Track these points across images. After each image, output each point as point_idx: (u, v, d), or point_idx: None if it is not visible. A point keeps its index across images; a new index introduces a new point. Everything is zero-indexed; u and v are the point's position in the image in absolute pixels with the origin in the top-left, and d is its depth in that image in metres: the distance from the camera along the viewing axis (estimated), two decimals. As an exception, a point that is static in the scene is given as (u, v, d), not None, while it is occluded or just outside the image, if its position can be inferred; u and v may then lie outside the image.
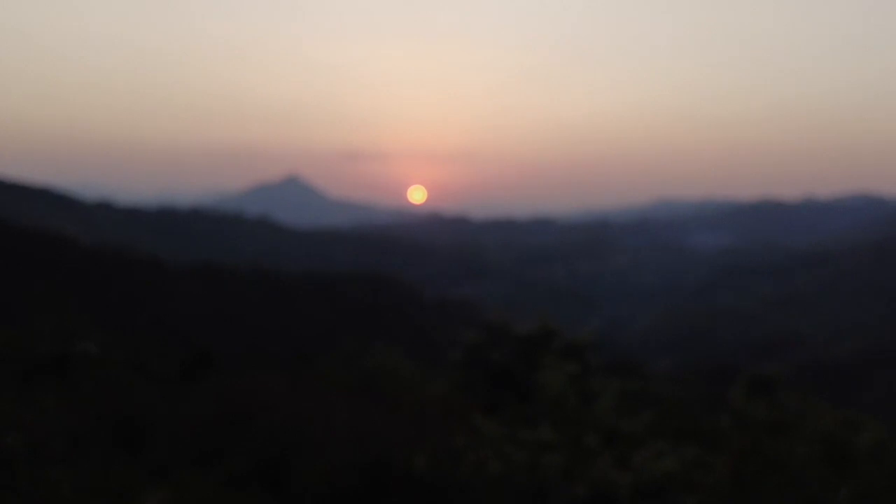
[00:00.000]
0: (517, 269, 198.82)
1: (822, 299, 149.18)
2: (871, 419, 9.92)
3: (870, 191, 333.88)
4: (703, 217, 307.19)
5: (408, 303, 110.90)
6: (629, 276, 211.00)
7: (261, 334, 75.45)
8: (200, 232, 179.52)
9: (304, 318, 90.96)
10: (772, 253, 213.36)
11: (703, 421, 12.69)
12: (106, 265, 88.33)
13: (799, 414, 9.00)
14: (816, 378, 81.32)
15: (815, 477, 7.50)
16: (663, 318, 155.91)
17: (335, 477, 7.93)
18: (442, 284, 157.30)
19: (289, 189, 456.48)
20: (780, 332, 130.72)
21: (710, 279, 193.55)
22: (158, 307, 78.39)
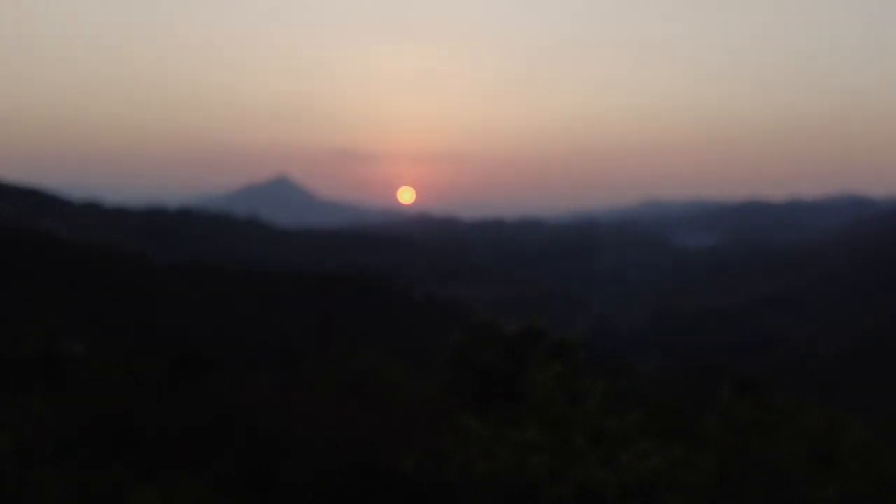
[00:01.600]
0: (506, 269, 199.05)
1: (807, 298, 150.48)
2: (856, 418, 10.04)
3: (855, 191, 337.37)
4: (689, 217, 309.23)
5: (397, 303, 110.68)
6: (617, 276, 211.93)
7: (250, 334, 75.09)
8: (189, 232, 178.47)
9: (294, 319, 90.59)
10: (758, 253, 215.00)
11: (690, 420, 12.78)
12: (95, 265, 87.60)
13: (785, 413, 9.09)
14: (802, 376, 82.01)
15: (801, 475, 7.57)
16: (651, 318, 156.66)
17: (323, 478, 7.93)
18: (431, 284, 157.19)
19: (278, 189, 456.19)
20: (766, 330, 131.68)
21: (696, 279, 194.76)
22: (148, 307, 77.84)
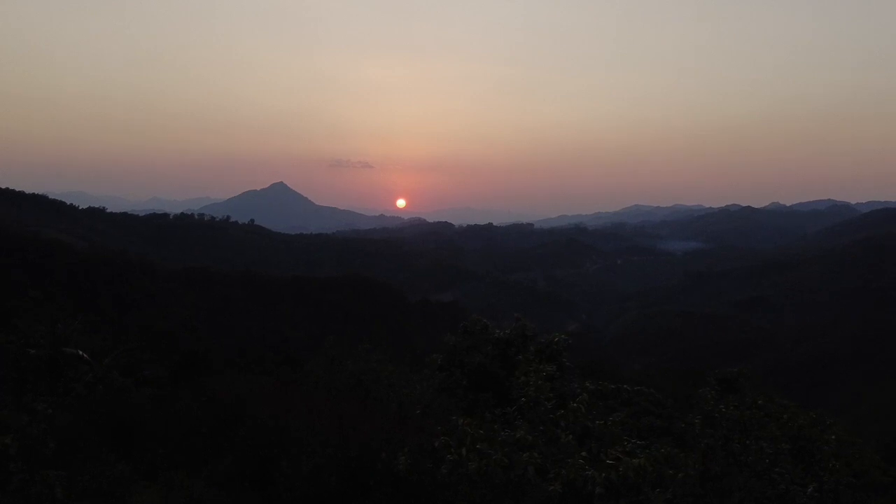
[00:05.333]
0: (497, 273, 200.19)
1: (788, 302, 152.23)
2: (836, 417, 10.40)
3: (835, 197, 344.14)
4: (674, 223, 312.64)
5: (391, 306, 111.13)
6: (604, 280, 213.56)
7: (248, 337, 75.32)
8: (190, 237, 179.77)
9: (291, 322, 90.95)
10: (740, 257, 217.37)
11: (675, 420, 13.08)
12: (98, 270, 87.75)
13: (767, 413, 9.37)
14: (783, 378, 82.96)
15: (783, 473, 7.81)
16: (637, 321, 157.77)
17: (320, 476, 8.09)
18: (424, 288, 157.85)
19: (276, 195, 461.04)
20: (748, 333, 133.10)
21: (681, 283, 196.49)
22: (149, 310, 78.18)
